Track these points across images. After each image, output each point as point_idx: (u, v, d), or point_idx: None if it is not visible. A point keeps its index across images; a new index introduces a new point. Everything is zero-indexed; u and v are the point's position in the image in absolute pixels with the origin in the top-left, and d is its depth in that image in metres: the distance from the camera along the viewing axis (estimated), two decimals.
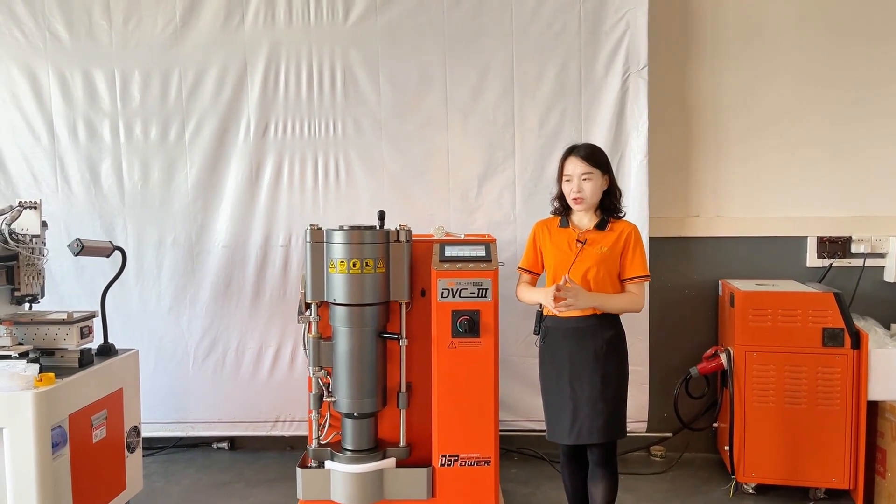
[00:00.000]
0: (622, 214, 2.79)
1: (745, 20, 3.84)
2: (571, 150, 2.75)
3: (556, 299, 2.57)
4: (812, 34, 3.82)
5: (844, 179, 3.86)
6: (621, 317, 2.76)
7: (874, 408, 3.34)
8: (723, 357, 3.52)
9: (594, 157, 2.72)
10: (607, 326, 2.69)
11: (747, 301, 3.43)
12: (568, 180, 2.73)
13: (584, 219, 2.78)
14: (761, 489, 3.49)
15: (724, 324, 3.74)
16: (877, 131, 3.82)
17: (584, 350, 2.67)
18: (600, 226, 2.73)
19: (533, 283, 2.90)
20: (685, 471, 3.81)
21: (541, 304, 2.79)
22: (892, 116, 3.81)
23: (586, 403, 2.65)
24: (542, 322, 2.80)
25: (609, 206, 2.76)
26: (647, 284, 2.76)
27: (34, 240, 3.01)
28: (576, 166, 2.70)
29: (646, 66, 3.68)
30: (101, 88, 3.83)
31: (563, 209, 2.82)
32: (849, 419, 3.32)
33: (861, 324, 3.47)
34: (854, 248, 3.84)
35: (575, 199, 2.71)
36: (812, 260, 3.89)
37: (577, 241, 2.72)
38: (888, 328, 3.66)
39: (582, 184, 2.69)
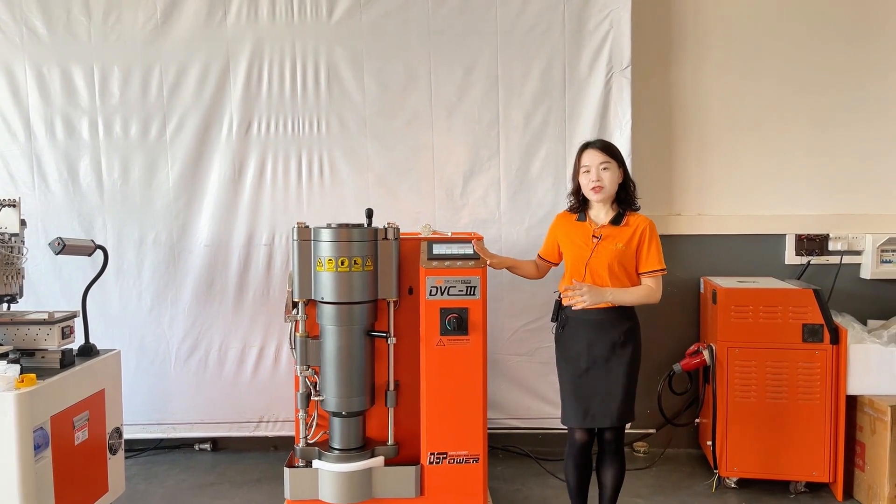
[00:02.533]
0: (637, 207, 2.88)
1: (727, 20, 3.89)
2: (588, 144, 2.87)
3: (571, 300, 2.76)
4: (793, 34, 3.88)
5: (822, 179, 3.93)
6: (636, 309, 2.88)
7: (853, 402, 3.41)
8: (705, 353, 3.56)
9: (610, 148, 2.85)
10: (624, 318, 2.81)
11: (729, 298, 3.47)
12: (586, 171, 2.82)
13: (600, 213, 2.86)
14: (743, 483, 3.55)
15: (707, 320, 3.79)
16: (854, 132, 3.90)
17: (602, 340, 2.78)
18: (616, 220, 2.82)
19: (545, 270, 3.07)
20: (668, 466, 3.85)
21: (559, 294, 2.88)
22: (869, 117, 3.89)
23: (603, 389, 2.77)
24: (562, 311, 2.88)
25: (625, 198, 2.85)
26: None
27: (13, 238, 2.95)
28: (594, 157, 2.81)
29: (629, 65, 3.71)
30: (79, 85, 3.75)
31: (580, 204, 2.91)
32: (828, 413, 3.38)
33: (839, 320, 3.53)
34: (831, 246, 3.91)
35: (594, 188, 2.79)
36: (791, 257, 3.95)
37: (593, 236, 2.81)
38: (865, 324, 3.74)
39: (601, 173, 2.78)
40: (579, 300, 2.73)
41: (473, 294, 2.94)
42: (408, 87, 3.77)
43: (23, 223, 3.02)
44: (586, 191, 2.83)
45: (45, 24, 3.71)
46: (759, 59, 3.88)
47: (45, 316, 2.83)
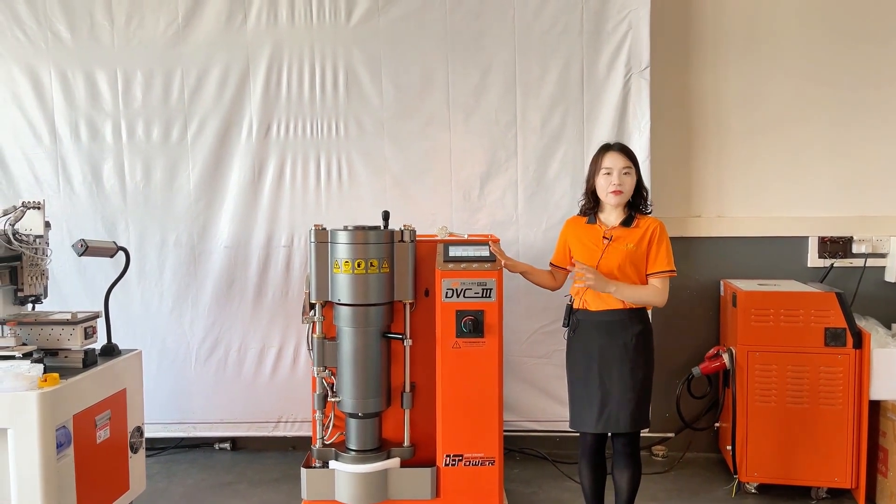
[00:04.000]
0: (649, 211, 2.88)
1: (747, 20, 3.85)
2: (609, 147, 2.86)
3: (577, 276, 2.74)
4: (814, 34, 3.83)
5: (845, 180, 3.87)
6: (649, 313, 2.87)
7: (876, 407, 3.35)
8: (725, 357, 3.52)
9: (631, 153, 2.85)
10: (636, 321, 2.79)
11: (750, 301, 3.43)
12: (607, 173, 2.80)
13: (611, 216, 2.86)
14: (763, 489, 3.50)
15: (727, 324, 3.75)
16: (878, 132, 3.83)
17: (615, 343, 2.77)
18: (626, 222, 2.82)
19: (562, 278, 3.02)
20: (687, 470, 3.82)
21: (571, 297, 2.88)
22: (893, 117, 3.82)
23: (616, 394, 2.76)
24: (573, 315, 2.87)
25: (637, 202, 2.86)
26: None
27: (38, 240, 3.01)
28: (617, 160, 2.80)
29: (648, 66, 3.69)
30: (103, 88, 3.82)
31: (592, 206, 2.90)
32: (851, 419, 3.32)
33: (862, 323, 3.48)
34: (855, 249, 3.86)
35: (614, 191, 2.79)
36: (813, 260, 3.90)
37: (604, 237, 2.81)
38: (889, 328, 3.66)
39: (623, 177, 2.78)
40: (585, 279, 2.70)
41: (489, 296, 2.94)
42: (425, 89, 3.78)
43: (47, 225, 3.08)
44: (604, 193, 2.82)
45: (68, 28, 3.78)
46: (780, 59, 3.84)
47: (69, 316, 2.88)
